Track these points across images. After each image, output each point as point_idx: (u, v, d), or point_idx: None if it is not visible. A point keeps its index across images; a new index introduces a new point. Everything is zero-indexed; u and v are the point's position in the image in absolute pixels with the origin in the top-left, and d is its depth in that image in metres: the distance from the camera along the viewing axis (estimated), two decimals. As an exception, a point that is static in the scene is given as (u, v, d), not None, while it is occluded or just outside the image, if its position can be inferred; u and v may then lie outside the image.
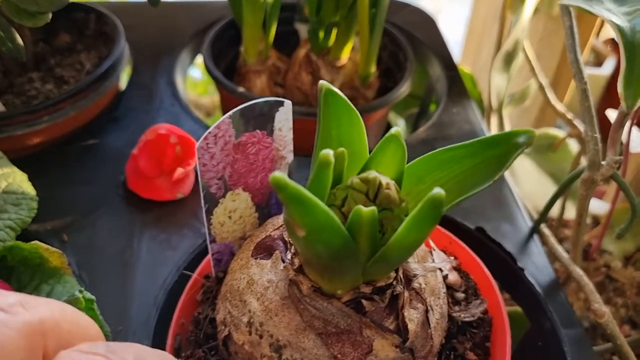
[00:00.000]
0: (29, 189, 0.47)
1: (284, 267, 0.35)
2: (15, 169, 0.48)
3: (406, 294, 0.35)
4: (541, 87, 0.70)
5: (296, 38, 0.70)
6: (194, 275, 0.43)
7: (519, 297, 0.51)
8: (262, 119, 0.39)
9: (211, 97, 1.07)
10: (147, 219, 0.51)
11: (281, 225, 0.40)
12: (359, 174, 0.33)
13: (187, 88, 0.89)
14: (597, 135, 0.48)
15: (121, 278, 0.47)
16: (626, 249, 0.73)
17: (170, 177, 0.52)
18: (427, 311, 0.36)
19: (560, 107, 0.69)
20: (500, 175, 0.32)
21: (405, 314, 0.34)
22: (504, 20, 0.67)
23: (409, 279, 0.36)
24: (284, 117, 0.40)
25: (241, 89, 0.59)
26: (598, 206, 0.76)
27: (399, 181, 0.34)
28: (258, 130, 0.39)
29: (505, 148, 0.32)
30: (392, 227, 0.31)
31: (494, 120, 0.69)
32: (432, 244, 0.44)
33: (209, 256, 0.42)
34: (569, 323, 0.47)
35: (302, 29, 0.70)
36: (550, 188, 0.69)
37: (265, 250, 0.38)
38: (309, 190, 0.30)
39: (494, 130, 0.69)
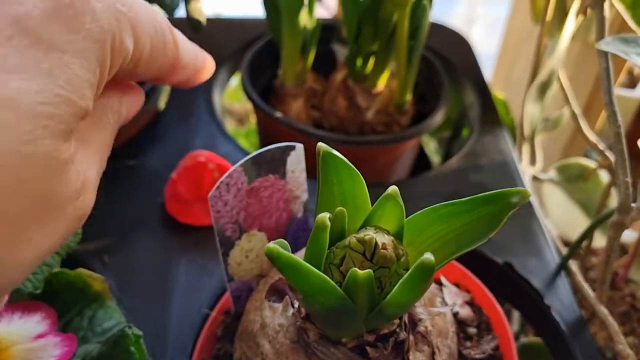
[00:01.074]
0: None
1: (292, 314, 0.37)
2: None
3: (411, 338, 0.37)
4: (574, 116, 0.70)
5: (333, 58, 0.71)
6: (213, 314, 0.45)
7: (544, 334, 0.52)
8: (274, 163, 0.41)
9: (243, 104, 1.08)
10: (185, 243, 0.53)
11: None
12: (361, 227, 0.35)
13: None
14: (629, 179, 0.49)
15: (160, 302, 0.48)
16: (653, 278, 0.74)
17: (207, 203, 0.53)
18: (433, 353, 0.37)
19: (592, 137, 0.69)
20: (494, 233, 0.33)
21: (410, 357, 0.36)
22: (540, 47, 0.68)
23: (414, 323, 0.38)
24: (296, 160, 0.42)
25: (278, 114, 0.60)
26: (627, 235, 0.77)
27: (399, 234, 0.35)
28: (271, 175, 0.41)
29: (499, 206, 0.33)
30: (390, 283, 0.33)
31: (525, 149, 0.69)
32: (443, 279, 0.45)
33: (228, 294, 0.44)
34: (594, 363, 0.48)
35: (340, 50, 0.71)
36: (580, 217, 0.69)
37: (277, 293, 0.40)
38: (308, 250, 0.32)
39: (525, 159, 0.69)
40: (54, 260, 0.45)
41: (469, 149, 0.63)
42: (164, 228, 0.54)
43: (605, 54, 0.53)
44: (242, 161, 0.40)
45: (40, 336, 0.40)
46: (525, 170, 0.66)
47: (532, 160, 0.70)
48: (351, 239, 0.33)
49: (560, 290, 0.52)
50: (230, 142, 0.61)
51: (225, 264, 0.43)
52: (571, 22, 0.67)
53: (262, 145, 0.70)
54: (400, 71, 0.59)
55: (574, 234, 0.71)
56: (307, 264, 0.30)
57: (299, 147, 0.42)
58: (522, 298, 0.52)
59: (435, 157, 0.79)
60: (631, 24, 0.59)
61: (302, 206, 0.45)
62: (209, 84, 0.67)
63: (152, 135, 0.62)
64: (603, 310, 0.51)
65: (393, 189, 0.35)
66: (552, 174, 0.69)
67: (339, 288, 0.31)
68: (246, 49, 0.69)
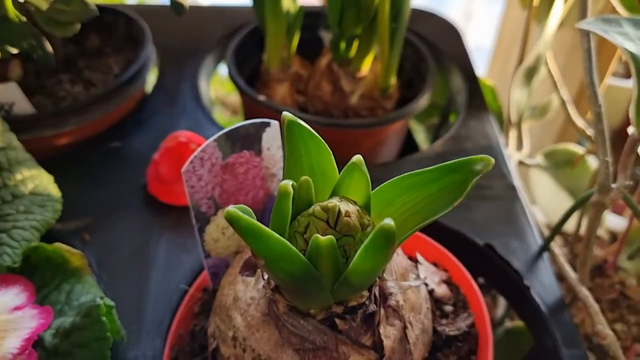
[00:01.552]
0: (54, 191, 0.49)
1: (262, 286, 0.37)
2: (42, 171, 0.50)
3: (382, 311, 0.36)
4: (563, 103, 0.70)
5: (321, 45, 0.71)
6: (191, 290, 0.45)
7: (524, 315, 0.52)
8: (248, 140, 0.41)
9: (237, 95, 1.09)
10: (165, 222, 0.53)
11: None
12: (330, 197, 0.35)
13: (216, 86, 0.91)
14: (609, 159, 0.48)
15: (138, 279, 0.49)
16: (642, 266, 0.73)
17: (188, 183, 0.54)
18: (405, 327, 0.37)
19: (580, 123, 0.69)
20: (459, 201, 0.33)
21: (381, 330, 0.36)
22: (528, 33, 0.68)
23: (385, 297, 0.38)
24: (272, 137, 0.42)
25: (262, 97, 0.60)
26: (616, 222, 0.76)
27: (367, 205, 0.35)
28: (245, 151, 0.41)
29: (464, 174, 0.33)
30: (355, 252, 0.32)
31: (512, 134, 0.69)
32: (420, 257, 0.45)
33: (206, 270, 0.44)
34: (572, 343, 0.47)
35: (327, 37, 0.71)
36: (568, 203, 0.69)
37: (251, 267, 0.40)
38: (272, 218, 0.32)
39: (512, 144, 0.69)
40: (32, 235, 0.45)
41: (454, 133, 0.63)
42: (145, 207, 0.54)
43: (587, 35, 0.53)
44: (215, 136, 0.40)
45: (17, 308, 0.41)
46: (512, 155, 0.66)
47: (519, 146, 0.70)
48: (315, 207, 0.33)
49: (542, 272, 0.52)
50: (214, 126, 0.61)
51: (202, 240, 0.43)
52: (559, 6, 0.67)
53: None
54: (384, 54, 0.59)
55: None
56: (267, 229, 0.30)
57: (274, 123, 0.42)
58: (502, 279, 0.52)
59: (423, 144, 0.79)
60: (619, 8, 0.59)
61: (279, 183, 0.45)
62: (195, 70, 0.68)
63: (138, 118, 0.62)
64: (584, 291, 0.50)
65: (357, 157, 0.35)
66: (539, 159, 0.69)
67: (300, 254, 0.31)
68: (232, 36, 0.69)
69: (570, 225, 0.70)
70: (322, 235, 0.31)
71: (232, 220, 0.30)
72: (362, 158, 0.35)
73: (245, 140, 0.42)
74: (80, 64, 0.63)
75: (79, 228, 0.52)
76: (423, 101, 0.62)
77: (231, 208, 0.30)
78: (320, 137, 0.36)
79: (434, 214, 0.34)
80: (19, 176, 0.48)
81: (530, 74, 0.66)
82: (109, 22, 0.67)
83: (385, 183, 0.36)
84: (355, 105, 0.63)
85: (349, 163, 0.35)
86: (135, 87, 0.60)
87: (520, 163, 0.68)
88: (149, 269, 0.49)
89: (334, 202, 0.33)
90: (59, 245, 0.44)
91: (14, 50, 0.51)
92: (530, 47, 0.69)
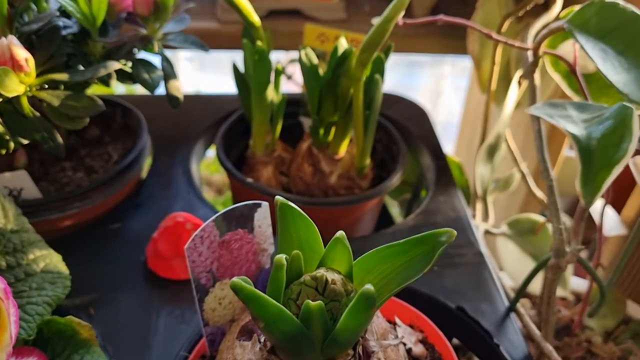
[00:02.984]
0: (63, 268, 0.54)
1: (259, 348, 0.42)
2: (52, 251, 0.55)
3: None
4: (523, 176, 0.77)
5: (301, 130, 0.78)
6: (191, 357, 0.49)
7: (495, 372, 0.56)
8: (242, 219, 0.47)
9: (222, 175, 1.15)
10: (164, 296, 0.57)
11: None
12: (317, 268, 0.40)
13: (202, 167, 0.97)
14: (562, 226, 0.55)
15: (141, 349, 0.53)
16: (606, 325, 0.79)
17: (185, 259, 0.59)
18: None
19: (540, 194, 0.76)
20: (428, 268, 0.39)
21: None
22: (488, 113, 0.75)
23: (368, 355, 0.42)
24: (262, 216, 0.48)
25: (249, 180, 0.66)
26: (580, 284, 0.82)
27: (349, 274, 0.41)
28: (240, 229, 0.47)
29: (431, 245, 0.39)
30: (341, 314, 0.38)
31: (479, 206, 0.76)
32: (397, 320, 0.50)
33: (204, 338, 0.48)
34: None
35: (306, 122, 0.78)
36: (532, 268, 0.75)
37: (247, 332, 0.45)
38: (269, 287, 0.38)
39: (478, 216, 0.75)
40: (45, 310, 0.50)
41: (424, 207, 0.69)
42: (145, 283, 0.59)
43: (537, 118, 0.60)
44: (214, 217, 0.46)
45: (33, 378, 0.44)
46: (479, 225, 0.72)
47: (485, 217, 0.76)
48: (305, 277, 0.39)
49: (509, 331, 0.57)
50: (206, 206, 0.67)
51: (201, 310, 0.48)
52: (514, 90, 0.74)
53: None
54: (359, 138, 0.65)
55: (529, 285, 0.76)
56: (266, 296, 0.36)
57: (265, 204, 0.48)
58: (474, 339, 0.57)
59: (398, 218, 0.85)
60: (567, 91, 0.67)
61: (270, 258, 0.51)
62: (187, 155, 0.74)
63: (136, 201, 0.67)
64: (548, 347, 0.56)
65: (340, 233, 0.40)
66: (504, 228, 0.75)
67: (294, 317, 0.36)
68: (221, 123, 0.76)
69: (536, 288, 0.76)
70: (313, 300, 0.37)
71: (237, 289, 0.35)
72: (344, 233, 0.40)
73: (239, 220, 0.47)
74: (81, 152, 0.69)
75: (84, 303, 0.56)
76: (396, 180, 0.68)
77: (236, 279, 0.35)
78: (307, 216, 0.41)
79: (406, 280, 0.40)
80: (31, 256, 0.53)
81: (492, 151, 0.74)
82: (107, 113, 0.73)
83: (364, 255, 0.41)
84: (334, 184, 0.69)
85: (333, 238, 0.40)
86: (133, 173, 0.65)
87: (487, 232, 0.74)
88: (150, 339, 0.54)
89: (322, 272, 0.39)
90: (70, 318, 0.49)
91: (25, 142, 0.57)
92: (490, 126, 0.77)
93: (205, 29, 0.80)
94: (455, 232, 0.39)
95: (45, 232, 0.55)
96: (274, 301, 0.36)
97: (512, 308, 0.60)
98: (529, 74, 0.62)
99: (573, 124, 0.53)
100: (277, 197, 0.40)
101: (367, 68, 0.60)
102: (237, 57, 0.72)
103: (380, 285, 0.41)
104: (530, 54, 0.63)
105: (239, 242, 0.48)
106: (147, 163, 0.71)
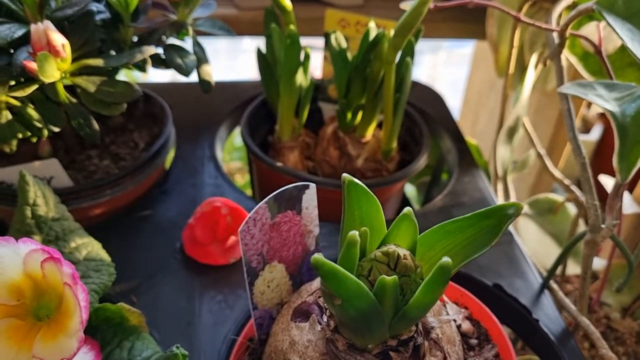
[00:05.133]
0: (105, 256, 0.53)
1: (321, 328, 0.42)
2: (92, 239, 0.54)
3: (426, 344, 0.42)
4: (540, 157, 0.78)
5: (319, 115, 0.78)
6: (239, 339, 0.49)
7: (535, 346, 0.57)
8: (291, 201, 0.47)
9: (227, 164, 1.14)
10: (205, 281, 0.57)
11: (314, 292, 0.47)
12: (379, 246, 0.41)
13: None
14: (597, 202, 0.56)
15: (187, 335, 0.53)
16: (623, 301, 0.80)
17: (223, 244, 0.59)
18: (445, 358, 0.43)
19: (558, 174, 0.77)
20: (496, 241, 0.39)
21: None
22: (506, 96, 0.76)
23: (427, 331, 0.43)
24: (310, 198, 0.48)
25: (279, 164, 0.66)
26: (596, 262, 0.84)
27: (413, 249, 0.42)
28: (289, 211, 0.47)
29: (498, 219, 0.40)
30: (411, 289, 0.39)
31: (499, 186, 0.77)
32: (445, 298, 0.51)
33: (252, 321, 0.49)
34: (581, 367, 0.53)
35: (325, 107, 0.78)
36: (552, 247, 0.76)
37: (302, 314, 0.45)
38: (340, 264, 0.38)
39: (500, 195, 0.76)
40: (93, 298, 0.49)
41: (450, 189, 0.70)
42: (184, 269, 0.58)
43: (565, 96, 0.61)
44: (266, 199, 0.46)
45: (87, 366, 0.44)
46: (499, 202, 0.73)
47: (506, 197, 0.77)
48: (376, 253, 0.39)
49: (545, 306, 0.58)
50: (236, 191, 0.67)
51: (251, 293, 0.48)
52: (531, 74, 0.75)
53: (261, 194, 0.76)
54: (388, 122, 0.66)
55: (549, 262, 0.78)
56: (347, 272, 0.36)
57: (312, 186, 0.48)
58: (512, 315, 0.58)
59: (415, 200, 0.86)
60: (583, 73, 0.68)
61: (315, 240, 0.51)
62: (211, 141, 0.73)
63: (164, 188, 0.67)
64: (585, 320, 0.57)
65: (408, 209, 0.41)
66: (525, 208, 0.76)
67: (370, 292, 0.37)
68: (242, 109, 0.76)
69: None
70: (385, 275, 0.37)
71: (317, 265, 0.35)
72: (411, 210, 0.41)
73: (289, 202, 0.47)
74: (106, 140, 0.68)
75: (125, 290, 0.56)
76: (422, 162, 0.69)
77: (316, 255, 0.36)
78: (373, 195, 0.42)
79: (472, 254, 0.41)
80: (73, 244, 0.53)
81: (511, 133, 0.75)
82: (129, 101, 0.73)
83: (427, 230, 0.42)
84: (361, 167, 0.69)
85: (401, 214, 0.41)
86: (161, 159, 0.65)
87: (510, 212, 0.75)
88: (195, 325, 0.54)
89: (393, 247, 0.39)
90: (121, 305, 0.48)
91: (57, 129, 0.56)
92: (507, 111, 0.78)
93: (225, 15, 0.80)
94: (522, 205, 0.39)
95: (77, 221, 0.55)
96: (353, 277, 0.36)
97: (546, 284, 0.61)
98: (555, 56, 0.63)
99: (607, 102, 0.54)
100: (345, 175, 0.41)
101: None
102: (233, 44, 0.71)
103: (443, 259, 0.42)
104: (556, 35, 0.64)
105: (287, 224, 0.48)
106: (170, 154, 0.71)
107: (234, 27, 0.64)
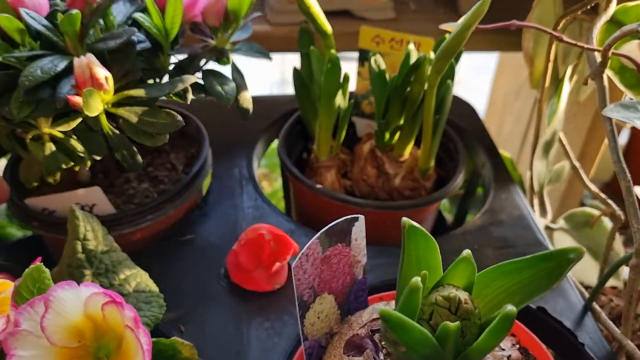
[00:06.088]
0: (153, 287, 0.54)
1: None
2: (139, 269, 0.55)
3: None
4: (575, 169, 0.78)
5: (353, 129, 0.78)
6: None
7: (581, 371, 0.58)
8: (342, 234, 0.47)
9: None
10: (251, 308, 0.58)
11: (365, 324, 0.48)
12: (436, 285, 0.42)
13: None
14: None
15: (237, 364, 0.53)
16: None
17: (267, 270, 0.59)
18: None
19: (594, 188, 0.76)
20: (556, 285, 0.40)
21: None
22: (542, 110, 0.75)
23: None
24: (359, 229, 0.48)
25: (319, 186, 0.66)
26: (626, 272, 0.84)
27: (469, 289, 0.42)
28: (339, 244, 0.47)
29: (557, 262, 0.40)
30: (471, 331, 0.39)
31: (535, 201, 0.77)
32: None
33: (301, 349, 0.49)
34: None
35: (359, 122, 0.78)
36: (589, 261, 0.76)
37: (355, 348, 0.46)
38: (402, 308, 0.38)
39: (537, 211, 0.76)
40: (146, 332, 0.50)
41: (488, 207, 0.70)
42: (229, 296, 0.59)
43: (609, 118, 0.60)
44: (318, 234, 0.46)
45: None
46: (538, 221, 0.73)
47: (542, 212, 0.77)
48: (437, 297, 0.40)
49: (589, 329, 0.58)
50: (276, 213, 0.67)
51: (302, 325, 0.48)
52: (566, 87, 0.75)
53: (298, 213, 0.76)
54: (426, 142, 0.66)
55: (585, 277, 0.78)
56: (413, 322, 0.36)
57: (361, 218, 0.48)
58: (557, 339, 0.58)
59: (446, 210, 0.86)
60: (620, 85, 0.68)
61: (362, 269, 0.51)
62: (249, 158, 0.73)
63: (203, 212, 0.67)
64: (631, 344, 0.57)
65: (467, 252, 0.41)
66: (562, 222, 0.76)
67: (434, 339, 0.37)
68: (276, 125, 0.76)
69: (592, 280, 0.77)
70: (445, 320, 0.38)
71: (385, 317, 0.36)
72: (470, 253, 0.41)
73: (339, 235, 0.48)
74: (143, 162, 0.68)
75: (172, 320, 0.56)
76: (460, 179, 0.69)
77: (383, 307, 0.36)
78: (430, 236, 0.42)
79: (531, 296, 0.41)
80: (122, 275, 0.53)
81: (548, 148, 0.74)
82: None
83: (483, 271, 0.42)
84: (398, 186, 0.69)
85: (459, 258, 0.41)
86: (200, 182, 0.65)
87: (547, 228, 0.75)
88: (244, 354, 0.54)
89: (453, 291, 0.39)
90: (175, 339, 0.49)
91: (99, 157, 0.56)
92: (539, 124, 0.77)
93: (256, 32, 0.79)
94: (583, 250, 0.39)
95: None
96: (419, 326, 0.37)
97: (589, 305, 0.61)
98: (597, 75, 0.63)
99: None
100: (405, 219, 0.41)
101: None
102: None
103: (499, 299, 0.42)
104: (597, 54, 0.63)
105: (337, 256, 0.49)
106: (206, 180, 0.71)
107: (266, 44, 0.64)
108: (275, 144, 0.81)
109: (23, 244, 0.70)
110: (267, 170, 1.22)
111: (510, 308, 0.36)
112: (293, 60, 0.69)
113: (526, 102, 1.09)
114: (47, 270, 0.43)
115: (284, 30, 0.81)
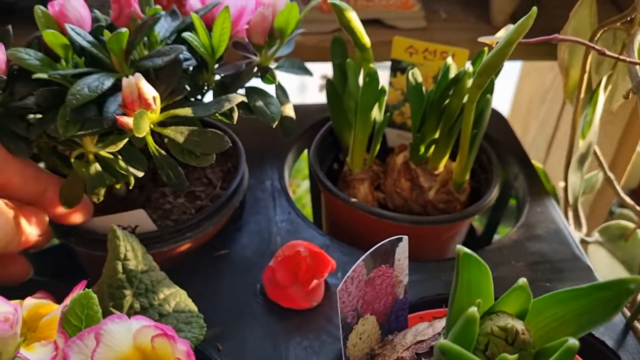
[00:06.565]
0: (192, 306, 0.53)
1: None
2: (178, 288, 0.54)
3: None
4: (609, 180, 0.77)
5: (384, 139, 0.77)
6: None
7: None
8: (386, 255, 0.47)
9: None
10: (289, 326, 0.57)
11: (410, 346, 0.47)
12: (487, 313, 0.41)
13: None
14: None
15: (277, 384, 0.53)
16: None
17: (304, 287, 0.59)
18: None
19: (628, 200, 0.76)
20: (614, 315, 0.39)
21: None
22: (577, 121, 0.75)
23: None
24: (402, 250, 0.48)
25: (354, 200, 0.66)
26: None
27: (522, 316, 0.41)
28: (383, 265, 0.47)
29: (616, 292, 0.39)
30: None
31: (570, 213, 0.76)
32: None
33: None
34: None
35: (390, 132, 0.77)
36: (623, 274, 0.75)
37: None
38: (457, 338, 0.38)
39: (572, 224, 0.75)
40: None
41: (524, 221, 0.69)
42: (267, 313, 0.58)
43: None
44: (363, 257, 0.46)
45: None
46: (575, 235, 0.73)
47: (577, 224, 0.76)
48: (493, 327, 0.39)
49: (631, 348, 0.58)
50: (310, 227, 0.67)
51: (344, 347, 0.48)
52: (601, 99, 0.74)
53: (330, 225, 0.75)
54: (463, 156, 0.65)
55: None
56: (474, 356, 0.36)
57: (405, 238, 0.48)
58: (600, 359, 0.58)
59: (478, 224, 0.85)
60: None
61: (404, 288, 0.51)
62: (280, 170, 0.73)
63: (237, 226, 0.67)
64: (674, 365, 0.56)
65: (523, 281, 0.40)
66: (596, 235, 0.75)
67: None
68: (308, 134, 0.75)
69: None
70: (502, 351, 0.37)
71: (445, 350, 0.35)
72: (526, 281, 0.40)
73: (384, 256, 0.47)
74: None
75: (210, 338, 0.56)
76: (495, 193, 0.68)
77: (444, 341, 0.35)
78: (484, 263, 0.41)
79: (587, 325, 0.40)
80: (161, 295, 0.53)
81: (582, 160, 0.73)
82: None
83: (537, 299, 0.41)
84: (432, 199, 0.69)
85: (515, 287, 0.40)
86: (238, 198, 0.65)
87: (582, 241, 0.74)
88: (285, 373, 0.54)
89: (510, 322, 0.39)
90: (218, 362, 0.49)
91: (140, 174, 0.56)
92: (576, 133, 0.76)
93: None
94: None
95: (155, 262, 0.55)
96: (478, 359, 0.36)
97: (630, 324, 0.60)
98: (639, 90, 0.62)
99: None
100: (459, 247, 0.40)
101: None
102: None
103: (552, 327, 0.42)
104: (638, 68, 0.62)
105: (381, 277, 0.49)
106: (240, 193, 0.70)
107: (296, 53, 0.63)
108: (304, 153, 0.81)
109: (51, 253, 0.70)
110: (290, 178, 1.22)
111: (573, 342, 0.35)
112: (311, 66, 0.68)
113: (552, 107, 1.08)
114: (94, 295, 0.42)
115: (314, 40, 0.80)
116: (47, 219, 0.55)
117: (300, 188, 1.24)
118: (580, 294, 0.41)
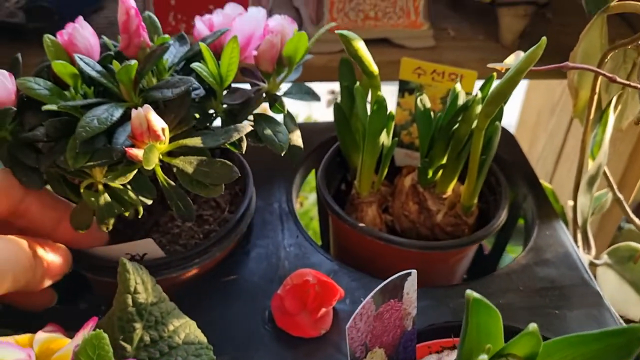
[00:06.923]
0: (201, 337, 0.53)
1: None
2: (187, 319, 0.54)
3: None
4: (619, 201, 0.77)
5: (391, 159, 0.77)
6: None
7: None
8: (395, 290, 0.47)
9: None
10: (297, 355, 0.57)
11: None
12: (497, 355, 0.41)
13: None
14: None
15: (286, 415, 0.53)
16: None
17: (313, 316, 0.59)
18: None
19: (638, 221, 0.75)
20: None
21: None
22: (586, 142, 0.74)
23: None
24: (411, 283, 0.48)
25: (361, 225, 0.66)
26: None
27: (532, 358, 0.41)
28: (392, 300, 0.47)
29: (628, 339, 0.39)
30: None
31: (578, 235, 0.76)
32: None
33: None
34: None
35: (397, 152, 0.77)
36: (631, 295, 0.75)
37: None
38: None
39: (580, 246, 0.75)
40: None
41: (532, 245, 0.69)
42: (275, 341, 0.58)
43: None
44: (373, 293, 0.46)
45: None
46: (584, 259, 0.72)
47: (585, 247, 0.76)
48: None
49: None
50: (318, 252, 0.66)
51: (354, 382, 0.48)
52: (611, 119, 0.74)
53: (338, 248, 0.75)
54: (471, 181, 0.65)
55: (629, 312, 0.76)
56: None
57: (414, 272, 0.48)
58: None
59: (487, 242, 0.85)
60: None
61: (412, 320, 0.51)
62: (288, 191, 0.73)
63: (244, 251, 0.67)
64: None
65: (533, 327, 0.40)
66: (605, 257, 0.75)
67: None
68: (315, 154, 0.75)
69: (636, 315, 0.76)
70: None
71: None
72: (536, 327, 0.40)
73: (392, 291, 0.47)
74: (186, 199, 0.68)
75: (220, 366, 0.56)
76: (504, 216, 0.68)
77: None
78: (494, 307, 0.41)
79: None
80: (171, 327, 0.53)
81: (592, 182, 0.73)
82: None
83: (548, 341, 0.41)
84: (440, 222, 0.69)
85: (525, 332, 0.40)
86: (246, 223, 0.64)
87: (591, 264, 0.74)
88: (294, 403, 0.54)
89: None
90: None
91: (149, 202, 0.56)
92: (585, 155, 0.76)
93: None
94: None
95: (163, 288, 0.55)
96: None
97: (639, 353, 0.60)
98: (649, 115, 0.62)
99: None
100: (469, 291, 0.40)
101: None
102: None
103: (561, 369, 0.42)
104: (649, 93, 0.62)
105: (390, 311, 0.49)
106: (247, 217, 0.70)
107: (304, 74, 0.63)
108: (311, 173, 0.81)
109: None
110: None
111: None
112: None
113: (561, 120, 1.08)
114: (105, 336, 0.42)
115: (323, 60, 0.80)
116: (69, 256, 0.56)
117: (307, 200, 1.24)
118: (591, 339, 0.40)
